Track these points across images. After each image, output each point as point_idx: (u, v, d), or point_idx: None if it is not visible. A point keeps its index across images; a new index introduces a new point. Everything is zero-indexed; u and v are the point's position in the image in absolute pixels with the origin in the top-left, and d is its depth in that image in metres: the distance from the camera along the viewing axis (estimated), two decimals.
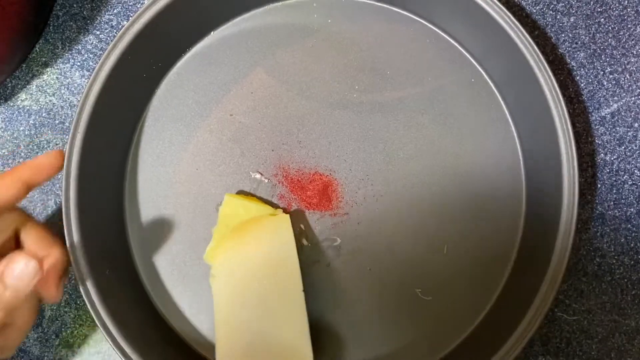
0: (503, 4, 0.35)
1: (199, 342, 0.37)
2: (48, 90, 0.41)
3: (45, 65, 0.41)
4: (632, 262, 0.38)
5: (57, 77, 0.41)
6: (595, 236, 0.38)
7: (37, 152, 0.40)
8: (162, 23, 0.36)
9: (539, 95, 0.34)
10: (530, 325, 0.33)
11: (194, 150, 0.39)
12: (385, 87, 0.38)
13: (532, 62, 0.34)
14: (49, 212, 0.40)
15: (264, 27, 0.39)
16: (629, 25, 0.40)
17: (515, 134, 0.38)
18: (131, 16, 0.38)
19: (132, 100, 0.38)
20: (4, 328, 0.29)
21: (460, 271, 0.37)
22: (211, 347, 0.37)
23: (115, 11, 0.41)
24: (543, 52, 0.34)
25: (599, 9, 0.40)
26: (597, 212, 0.38)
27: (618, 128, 0.39)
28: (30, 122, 0.41)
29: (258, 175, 0.38)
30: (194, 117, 0.39)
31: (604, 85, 0.39)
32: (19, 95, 0.41)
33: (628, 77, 0.39)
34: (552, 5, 0.40)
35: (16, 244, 0.32)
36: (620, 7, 0.40)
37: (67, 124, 0.40)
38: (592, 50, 0.40)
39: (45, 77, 0.41)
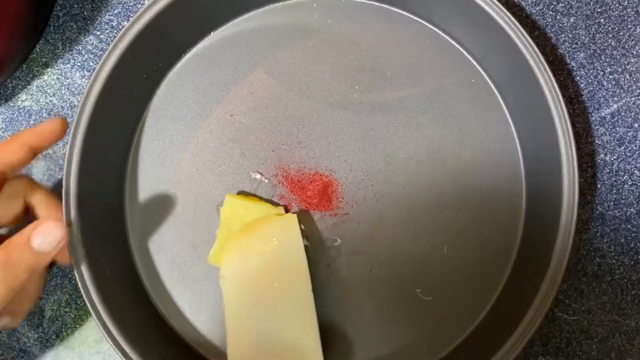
0: (503, 4, 0.35)
1: (199, 342, 0.37)
2: (48, 91, 0.41)
3: (46, 65, 0.41)
4: (632, 263, 0.38)
5: (57, 78, 0.41)
6: (595, 236, 0.38)
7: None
8: (162, 23, 0.36)
9: (539, 96, 0.34)
10: (530, 325, 0.33)
11: (194, 151, 0.39)
12: (385, 87, 0.38)
13: (532, 63, 0.34)
14: None
15: (264, 28, 0.39)
16: (629, 26, 0.40)
17: (515, 135, 0.38)
18: (131, 17, 0.38)
19: (132, 100, 0.38)
20: (18, 294, 0.29)
21: (460, 271, 0.37)
22: (211, 347, 0.37)
23: (115, 12, 0.41)
24: (543, 53, 0.34)
25: (599, 10, 0.40)
26: (597, 212, 0.38)
27: (618, 128, 0.39)
28: (31, 122, 0.41)
29: (258, 176, 0.38)
30: (194, 117, 0.39)
31: (603, 86, 0.39)
32: (19, 95, 0.41)
33: (628, 77, 0.39)
34: (552, 6, 0.40)
35: (25, 211, 0.34)
36: (620, 7, 0.40)
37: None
38: (592, 51, 0.40)
39: (45, 77, 0.41)
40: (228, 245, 0.36)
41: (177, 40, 0.38)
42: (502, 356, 0.33)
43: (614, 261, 0.38)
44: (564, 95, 0.34)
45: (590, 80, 0.39)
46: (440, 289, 0.37)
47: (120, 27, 0.41)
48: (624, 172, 0.39)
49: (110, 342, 0.33)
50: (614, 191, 0.38)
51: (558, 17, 0.40)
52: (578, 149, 0.37)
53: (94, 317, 0.33)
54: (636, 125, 0.39)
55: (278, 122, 0.38)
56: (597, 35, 0.40)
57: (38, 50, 0.41)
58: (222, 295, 0.36)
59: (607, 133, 0.39)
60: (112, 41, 0.35)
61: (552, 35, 0.40)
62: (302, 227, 0.37)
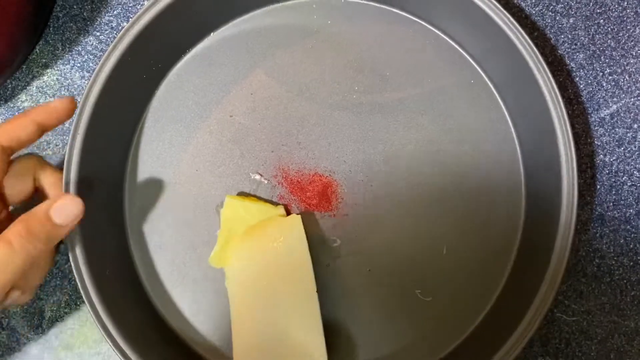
0: (502, 5, 0.35)
1: (199, 343, 0.37)
2: (48, 92, 0.41)
3: (46, 66, 0.41)
4: (632, 263, 0.38)
5: (57, 79, 0.41)
6: (594, 237, 0.38)
7: (37, 154, 0.40)
8: (161, 24, 0.36)
9: (538, 97, 0.34)
10: (530, 325, 0.33)
11: (194, 151, 0.39)
12: (384, 88, 0.38)
13: (531, 64, 0.34)
14: None
15: (263, 28, 0.39)
16: (628, 27, 0.40)
17: (514, 135, 0.38)
18: (131, 17, 0.38)
19: (132, 101, 0.38)
20: (30, 268, 0.30)
21: (460, 272, 0.37)
22: (211, 347, 0.37)
23: (115, 12, 0.41)
24: (542, 54, 0.34)
25: (599, 10, 0.40)
26: (597, 213, 0.38)
27: (617, 129, 0.39)
28: None
29: (258, 177, 0.38)
30: (193, 118, 0.39)
31: (603, 87, 0.39)
32: (19, 96, 0.41)
33: (627, 78, 0.39)
34: (551, 7, 0.40)
35: (34, 189, 0.34)
36: (620, 8, 0.40)
37: (67, 125, 0.40)
38: (591, 52, 0.40)
39: (45, 78, 0.41)
40: (233, 247, 0.36)
41: (176, 41, 0.38)
42: (502, 356, 0.33)
43: (613, 262, 0.38)
44: (563, 96, 0.34)
45: (589, 81, 0.39)
46: (440, 290, 0.37)
47: (120, 28, 0.41)
48: (623, 173, 0.39)
49: (110, 343, 0.33)
50: (613, 192, 0.38)
51: (557, 18, 0.40)
52: (577, 149, 0.37)
53: (94, 317, 0.33)
54: (635, 126, 0.39)
55: (278, 122, 0.38)
56: (597, 36, 0.40)
57: (38, 51, 0.41)
58: (222, 296, 0.36)
59: (607, 134, 0.39)
60: (111, 42, 0.35)
61: (551, 36, 0.40)
62: None
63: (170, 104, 0.39)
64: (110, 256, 0.36)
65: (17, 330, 0.39)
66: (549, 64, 0.36)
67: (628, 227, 0.38)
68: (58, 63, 0.41)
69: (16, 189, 0.33)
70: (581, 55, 0.40)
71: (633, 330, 0.37)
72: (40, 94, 0.41)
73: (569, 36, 0.40)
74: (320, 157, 0.38)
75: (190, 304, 0.37)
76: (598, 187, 0.39)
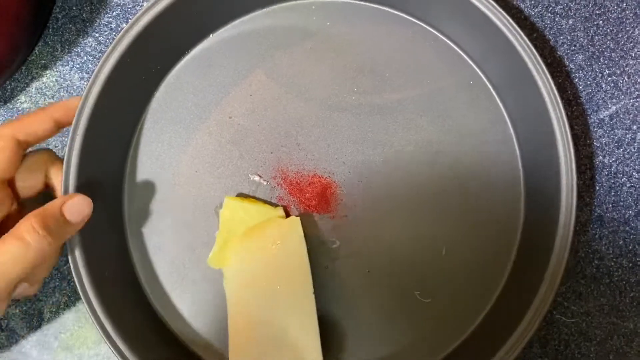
0: (501, 6, 0.35)
1: (198, 344, 0.37)
2: (47, 93, 0.41)
3: (45, 67, 0.41)
4: (631, 265, 0.38)
5: (56, 80, 0.41)
6: (593, 238, 0.38)
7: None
8: (161, 26, 0.36)
9: (537, 98, 0.34)
10: (529, 326, 0.33)
11: (193, 153, 0.39)
12: (384, 89, 0.38)
13: (530, 65, 0.34)
14: None
15: (262, 30, 0.39)
16: (628, 28, 0.40)
17: (513, 136, 0.38)
18: (130, 19, 0.38)
19: (131, 102, 0.38)
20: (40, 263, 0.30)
21: (459, 273, 0.37)
22: (210, 349, 0.37)
23: (114, 14, 0.41)
24: (541, 55, 0.34)
25: (598, 12, 0.40)
26: (596, 214, 0.38)
27: (616, 130, 0.39)
28: None
29: (257, 178, 0.38)
30: (193, 119, 0.39)
31: (602, 88, 0.39)
32: (18, 97, 0.41)
33: (626, 79, 0.39)
34: (550, 8, 0.40)
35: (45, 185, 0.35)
36: (619, 9, 0.40)
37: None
38: (590, 53, 0.40)
39: (44, 79, 0.41)
40: (232, 248, 0.36)
41: (175, 43, 0.38)
42: (501, 357, 0.33)
43: (613, 263, 0.38)
44: (562, 97, 0.34)
45: (588, 82, 0.39)
46: (439, 291, 0.37)
47: (119, 29, 0.41)
48: (622, 174, 0.39)
49: (109, 344, 0.33)
50: (613, 193, 0.38)
51: (557, 19, 0.40)
52: (576, 151, 0.37)
53: (93, 319, 0.33)
54: (634, 127, 0.39)
55: (277, 124, 0.38)
56: (596, 37, 0.40)
57: (37, 52, 0.41)
58: (221, 297, 0.36)
59: (606, 135, 0.39)
60: (110, 43, 0.35)
61: (550, 38, 0.40)
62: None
63: (169, 105, 0.39)
64: (109, 257, 0.36)
65: (16, 331, 0.39)
66: (548, 65, 0.36)
67: (627, 228, 0.38)
68: (57, 64, 0.41)
69: (27, 183, 0.33)
70: (580, 57, 0.40)
71: (632, 331, 0.37)
72: (39, 95, 0.41)
73: (568, 37, 0.40)
74: (320, 158, 0.38)
75: (189, 305, 0.37)
76: (597, 188, 0.39)
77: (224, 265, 0.36)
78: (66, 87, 0.41)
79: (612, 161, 0.39)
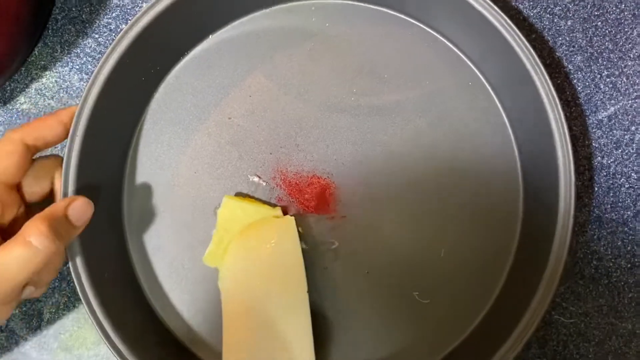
0: (500, 7, 0.35)
1: (198, 345, 0.37)
2: (47, 94, 0.41)
3: (44, 68, 0.41)
4: (629, 265, 0.38)
5: (55, 81, 0.41)
6: (592, 239, 0.38)
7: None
8: (160, 26, 0.36)
9: (536, 99, 0.34)
10: (528, 327, 0.33)
11: (192, 154, 0.39)
12: (383, 90, 0.38)
13: (528, 66, 0.34)
14: None
15: (262, 31, 0.39)
16: (626, 29, 0.40)
17: (512, 137, 0.38)
18: (130, 20, 0.38)
19: (130, 103, 0.38)
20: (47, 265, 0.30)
21: (458, 274, 0.37)
22: (210, 349, 0.37)
23: (113, 15, 0.41)
24: (540, 56, 0.35)
25: (596, 13, 0.40)
26: (594, 215, 0.38)
27: (615, 131, 0.39)
28: None
29: (256, 179, 0.38)
30: (192, 120, 0.39)
31: (600, 89, 0.39)
32: (18, 98, 0.41)
33: (625, 80, 0.39)
34: (549, 9, 0.40)
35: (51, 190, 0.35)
36: (617, 10, 0.40)
37: None
38: (589, 54, 0.40)
39: (44, 80, 0.41)
40: (227, 247, 0.36)
41: (175, 43, 0.38)
42: (500, 358, 0.33)
43: (611, 264, 0.38)
44: (561, 98, 0.34)
45: (587, 83, 0.39)
46: (438, 292, 0.37)
47: (119, 30, 0.41)
48: (620, 175, 0.39)
49: (108, 345, 0.33)
50: (611, 194, 0.39)
51: (555, 20, 0.40)
52: (575, 151, 0.37)
53: (92, 319, 0.33)
54: (633, 128, 0.39)
55: (276, 125, 0.39)
56: (594, 38, 0.40)
57: (36, 53, 0.41)
58: (219, 297, 0.36)
59: (604, 136, 0.39)
60: (110, 44, 0.35)
61: (549, 39, 0.40)
62: (300, 230, 0.37)
63: (168, 106, 0.39)
64: (108, 258, 0.36)
65: (16, 332, 0.39)
66: (546, 66, 0.37)
67: (625, 229, 0.38)
68: (57, 65, 0.41)
69: (34, 188, 0.34)
70: (579, 58, 0.40)
71: (630, 332, 0.37)
72: (39, 96, 0.41)
73: (567, 38, 0.40)
74: (319, 159, 0.38)
75: (188, 306, 0.37)
76: (596, 189, 0.39)
77: (219, 264, 0.36)
78: (66, 88, 0.41)
79: (611, 162, 0.39)
